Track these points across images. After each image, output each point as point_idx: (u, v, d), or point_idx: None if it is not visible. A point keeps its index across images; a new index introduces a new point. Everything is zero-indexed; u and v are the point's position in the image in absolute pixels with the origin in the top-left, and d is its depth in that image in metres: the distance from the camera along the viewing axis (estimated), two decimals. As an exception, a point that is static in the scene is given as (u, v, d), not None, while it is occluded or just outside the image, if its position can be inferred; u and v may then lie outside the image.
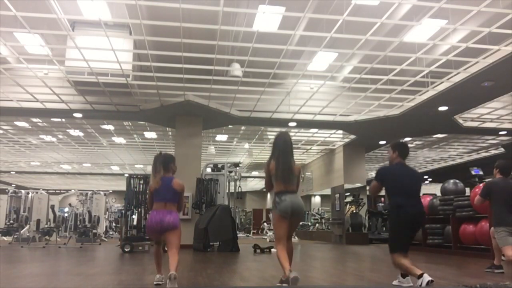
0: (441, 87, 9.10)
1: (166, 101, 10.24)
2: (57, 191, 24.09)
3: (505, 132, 12.69)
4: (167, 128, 13.24)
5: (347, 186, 14.92)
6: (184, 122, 11.46)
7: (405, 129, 12.38)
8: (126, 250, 8.94)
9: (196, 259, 7.27)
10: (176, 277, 3.70)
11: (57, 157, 18.92)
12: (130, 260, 7.25)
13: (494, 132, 12.72)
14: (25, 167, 22.17)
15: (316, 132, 13.63)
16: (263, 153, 17.95)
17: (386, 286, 4.08)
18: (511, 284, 4.36)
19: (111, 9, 7.29)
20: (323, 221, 18.00)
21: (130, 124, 13.12)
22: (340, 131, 13.33)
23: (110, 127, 13.56)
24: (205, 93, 9.85)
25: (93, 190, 16.20)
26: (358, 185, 15.01)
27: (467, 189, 10.00)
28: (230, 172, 11.90)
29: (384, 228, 15.06)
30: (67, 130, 13.93)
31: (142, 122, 12.47)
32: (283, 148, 3.97)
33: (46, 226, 12.84)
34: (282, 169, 3.88)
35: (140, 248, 9.42)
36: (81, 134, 14.42)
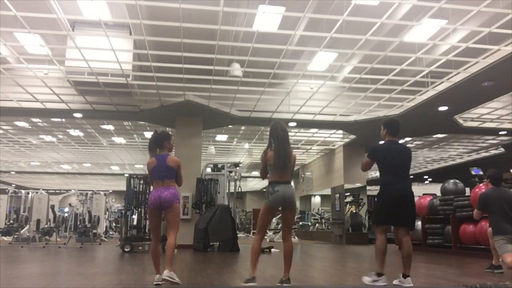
0: (441, 87, 9.10)
1: (166, 101, 10.24)
2: (57, 191, 24.08)
3: (505, 132, 12.69)
4: (167, 128, 13.22)
5: (347, 186, 14.93)
6: (184, 122, 11.46)
7: (405, 129, 12.29)
8: (126, 250, 8.94)
9: (196, 259, 7.27)
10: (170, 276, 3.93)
11: (57, 157, 18.92)
12: (130, 260, 7.25)
13: (494, 132, 12.72)
14: (25, 167, 22.17)
15: (316, 132, 13.63)
16: (263, 153, 17.94)
17: (386, 286, 4.08)
18: (511, 284, 4.37)
19: (111, 9, 7.29)
20: (323, 221, 18.00)
21: (130, 124, 13.12)
22: (340, 131, 13.33)
23: (110, 127, 13.56)
24: (205, 93, 9.85)
25: (93, 190, 16.20)
26: (358, 185, 15.01)
27: (467, 189, 10.00)
28: (230, 172, 11.90)
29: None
30: (67, 130, 13.93)
31: (142, 122, 12.47)
32: (281, 136, 3.99)
33: (46, 226, 12.83)
34: (283, 158, 3.91)
35: (140, 248, 9.42)
36: (81, 134, 14.42)
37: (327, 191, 16.60)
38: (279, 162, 3.91)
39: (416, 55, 7.77)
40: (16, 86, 9.22)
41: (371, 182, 19.51)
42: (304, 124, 12.02)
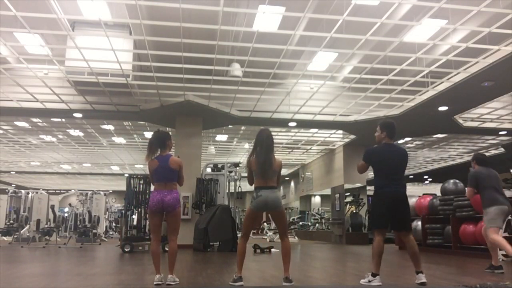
0: (441, 87, 9.10)
1: (166, 101, 10.24)
2: (57, 191, 24.07)
3: (505, 132, 12.69)
4: (167, 128, 13.22)
5: (347, 186, 14.92)
6: (184, 122, 11.46)
7: (405, 129, 12.37)
8: (126, 250, 8.94)
9: (196, 259, 7.27)
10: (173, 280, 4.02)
11: (57, 157, 18.92)
12: (130, 260, 7.25)
13: (494, 132, 12.72)
14: (25, 167, 22.17)
15: (316, 132, 13.63)
16: (263, 153, 17.94)
17: (386, 286, 4.08)
18: (511, 284, 4.37)
19: (111, 9, 7.29)
20: (323, 221, 17.99)
21: (130, 124, 13.12)
22: (340, 131, 13.33)
23: (110, 127, 13.56)
24: (205, 93, 9.85)
25: (93, 190, 16.20)
26: (358, 185, 15.01)
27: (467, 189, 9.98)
28: (230, 172, 11.90)
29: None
30: (67, 130, 13.93)
31: (142, 122, 12.47)
32: (264, 144, 4.07)
33: (46, 226, 12.83)
34: (262, 164, 3.98)
35: (140, 248, 9.42)
36: (81, 134, 14.43)
37: (327, 191, 16.59)
38: (259, 168, 3.99)
39: (416, 55, 7.77)
40: (16, 86, 9.22)
41: (371, 182, 19.44)
42: (304, 124, 12.02)
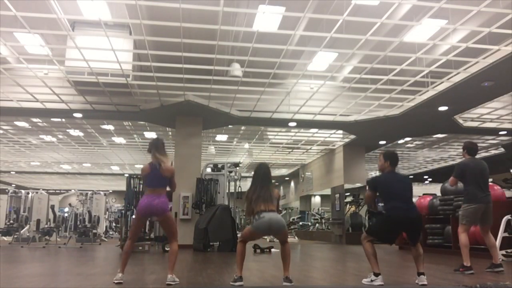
0: (441, 87, 9.10)
1: (166, 101, 10.24)
2: (57, 191, 24.08)
3: (505, 132, 12.69)
4: (167, 128, 13.24)
5: (347, 186, 14.93)
6: (184, 122, 11.46)
7: (405, 129, 12.38)
8: (126, 250, 8.93)
9: (196, 259, 7.26)
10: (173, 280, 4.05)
11: (57, 157, 18.92)
12: (130, 260, 7.21)
13: (494, 132, 12.72)
14: (25, 167, 22.17)
15: (316, 132, 13.63)
16: (263, 153, 17.96)
17: (387, 285, 4.08)
18: (511, 284, 4.37)
19: (111, 9, 7.29)
20: (323, 221, 18.00)
21: (130, 124, 13.12)
22: (340, 131, 13.33)
23: (110, 127, 13.56)
24: (205, 93, 9.85)
25: (93, 190, 16.20)
26: (358, 185, 15.01)
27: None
28: (230, 172, 11.89)
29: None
30: (67, 130, 13.93)
31: (142, 122, 12.47)
32: (262, 178, 4.26)
33: (46, 226, 12.83)
34: (258, 193, 4.14)
35: (140, 248, 9.41)
36: (81, 134, 14.42)
37: (327, 191, 16.60)
38: (259, 195, 4.12)
39: (416, 55, 7.77)
40: (16, 86, 9.22)
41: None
42: (304, 124, 12.02)
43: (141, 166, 19.85)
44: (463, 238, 5.37)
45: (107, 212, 18.33)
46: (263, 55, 8.15)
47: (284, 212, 22.65)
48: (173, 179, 4.35)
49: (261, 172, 4.30)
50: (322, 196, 20.35)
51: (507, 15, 6.24)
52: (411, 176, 23.70)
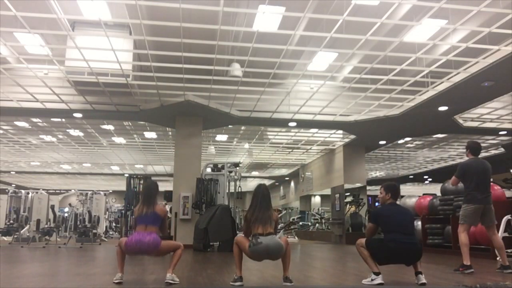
0: (441, 87, 9.10)
1: (166, 101, 10.24)
2: (57, 191, 24.08)
3: (505, 132, 12.69)
4: (167, 128, 13.24)
5: (347, 186, 14.93)
6: (184, 122, 11.46)
7: (405, 129, 12.38)
8: (126, 250, 8.92)
9: (196, 259, 7.26)
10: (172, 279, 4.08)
11: (57, 157, 18.92)
12: (130, 260, 7.24)
13: (494, 132, 12.72)
14: (25, 167, 22.17)
15: (316, 132, 13.63)
16: (263, 153, 17.96)
17: (387, 285, 4.08)
18: (511, 284, 4.36)
19: (111, 9, 7.29)
20: (323, 221, 18.00)
21: (130, 124, 13.13)
22: (340, 131, 13.34)
23: (110, 127, 13.56)
24: (205, 93, 9.85)
25: (93, 190, 16.19)
26: (358, 185, 15.01)
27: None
28: (230, 172, 11.90)
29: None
30: (67, 130, 13.93)
31: (142, 122, 12.47)
32: (261, 200, 4.25)
33: (46, 226, 12.82)
34: (261, 219, 4.12)
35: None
36: (81, 134, 14.43)
37: (327, 191, 16.60)
38: (257, 217, 4.11)
39: (416, 55, 7.77)
40: (16, 86, 9.22)
41: (371, 182, 19.47)
42: (304, 124, 12.02)
43: (141, 166, 19.81)
44: (463, 237, 5.38)
45: (107, 212, 18.31)
46: (263, 55, 8.15)
47: (284, 212, 22.66)
48: (165, 219, 4.41)
49: (260, 193, 4.29)
50: (322, 196, 20.34)
51: (507, 15, 6.24)
52: (411, 176, 23.72)
